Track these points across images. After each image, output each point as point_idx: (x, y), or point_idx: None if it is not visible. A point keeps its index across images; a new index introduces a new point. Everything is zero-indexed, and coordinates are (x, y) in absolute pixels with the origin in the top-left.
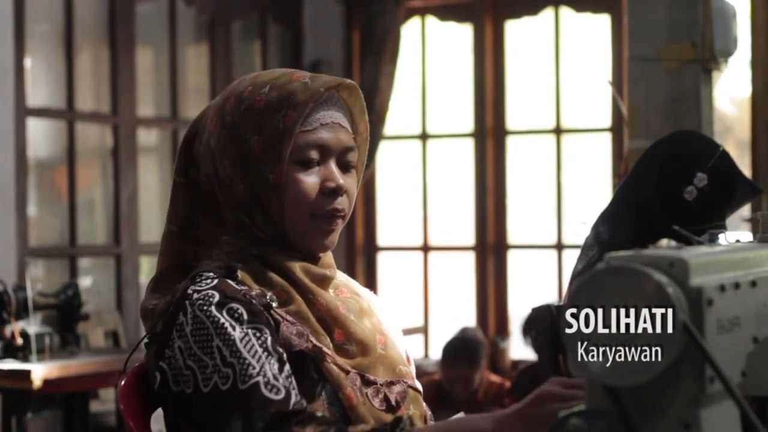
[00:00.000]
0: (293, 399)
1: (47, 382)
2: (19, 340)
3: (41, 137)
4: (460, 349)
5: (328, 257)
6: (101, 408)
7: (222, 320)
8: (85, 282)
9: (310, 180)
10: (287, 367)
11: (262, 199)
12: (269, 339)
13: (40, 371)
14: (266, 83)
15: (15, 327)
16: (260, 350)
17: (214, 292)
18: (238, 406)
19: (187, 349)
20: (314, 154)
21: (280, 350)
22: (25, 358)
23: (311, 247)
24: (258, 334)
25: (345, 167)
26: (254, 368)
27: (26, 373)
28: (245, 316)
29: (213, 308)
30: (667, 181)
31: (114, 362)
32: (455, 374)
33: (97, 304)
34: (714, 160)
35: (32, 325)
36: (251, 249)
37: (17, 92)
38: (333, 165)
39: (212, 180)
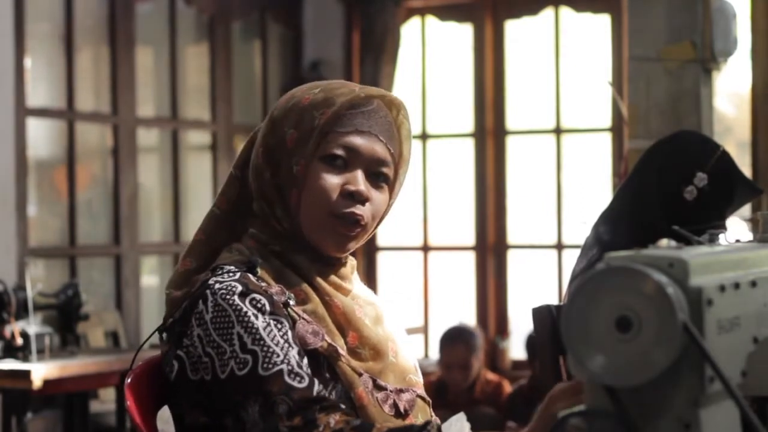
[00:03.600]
0: (316, 387)
1: (47, 382)
2: (19, 340)
3: (41, 137)
4: (456, 334)
5: (345, 269)
6: (101, 408)
7: (244, 308)
8: (85, 282)
9: (332, 179)
10: (306, 360)
11: (284, 190)
12: (290, 332)
13: (40, 371)
14: (319, 86)
15: (15, 327)
16: (282, 340)
17: (237, 284)
18: (258, 391)
19: (206, 336)
20: (341, 153)
21: (299, 344)
22: (25, 358)
23: (324, 247)
24: (279, 326)
25: (376, 180)
26: (278, 356)
27: (26, 373)
28: (267, 308)
29: (236, 297)
30: (667, 180)
31: (114, 362)
32: (453, 358)
33: (97, 304)
34: (714, 160)
35: (32, 325)
36: (272, 245)
37: (17, 92)
38: (360, 172)
39: (251, 170)
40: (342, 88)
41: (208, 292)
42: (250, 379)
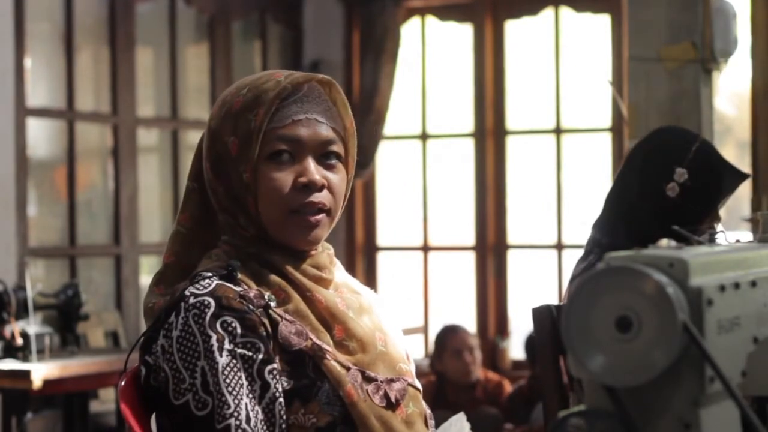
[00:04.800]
0: None
1: (47, 382)
2: (19, 340)
3: (41, 137)
4: (453, 325)
5: (321, 258)
6: (101, 408)
7: (212, 339)
8: (85, 282)
9: (282, 176)
10: (270, 392)
11: (240, 199)
12: (257, 361)
13: (40, 371)
14: (246, 85)
15: (15, 327)
16: (242, 381)
17: (210, 300)
18: None
19: (168, 351)
20: (284, 148)
21: (268, 373)
22: (25, 358)
23: (293, 244)
24: (246, 356)
25: (328, 161)
26: (229, 407)
27: (26, 373)
28: (238, 330)
29: (207, 320)
30: (648, 180)
31: (114, 362)
32: (460, 343)
33: (97, 304)
34: (692, 154)
35: (32, 325)
36: (247, 248)
37: (17, 92)
38: (310, 161)
39: (206, 184)
40: (269, 82)
41: (182, 305)
42: (205, 425)
